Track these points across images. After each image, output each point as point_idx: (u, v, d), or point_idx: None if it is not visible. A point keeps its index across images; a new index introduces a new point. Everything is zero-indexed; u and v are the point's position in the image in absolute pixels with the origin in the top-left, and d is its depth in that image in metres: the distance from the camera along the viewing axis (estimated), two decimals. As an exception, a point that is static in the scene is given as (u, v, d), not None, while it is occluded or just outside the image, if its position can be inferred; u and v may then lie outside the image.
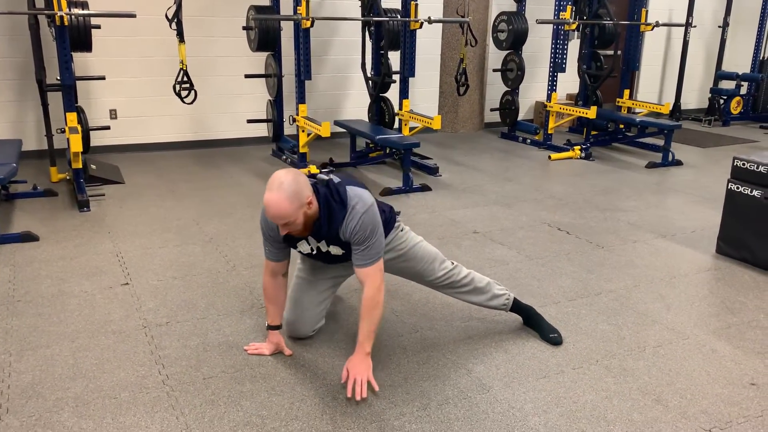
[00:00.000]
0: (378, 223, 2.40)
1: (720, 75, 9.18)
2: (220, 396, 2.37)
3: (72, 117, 4.77)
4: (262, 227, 2.51)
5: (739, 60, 9.55)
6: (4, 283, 3.31)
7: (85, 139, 4.97)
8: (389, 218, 2.59)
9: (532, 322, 2.90)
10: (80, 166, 4.86)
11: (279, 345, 2.66)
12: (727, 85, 9.16)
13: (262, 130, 6.73)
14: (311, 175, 2.45)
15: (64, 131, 4.85)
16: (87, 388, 2.40)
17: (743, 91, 9.04)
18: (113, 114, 6.34)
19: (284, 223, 2.26)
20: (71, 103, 4.81)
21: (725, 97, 8.92)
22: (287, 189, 2.20)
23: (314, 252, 2.55)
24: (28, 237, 3.93)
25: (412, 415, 2.28)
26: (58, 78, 4.73)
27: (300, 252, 2.61)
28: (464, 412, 2.29)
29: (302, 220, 2.28)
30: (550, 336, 2.81)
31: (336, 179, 2.42)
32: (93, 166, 5.38)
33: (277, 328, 2.66)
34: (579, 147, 6.67)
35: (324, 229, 2.39)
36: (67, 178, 5.28)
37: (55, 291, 3.24)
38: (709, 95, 9.14)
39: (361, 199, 2.37)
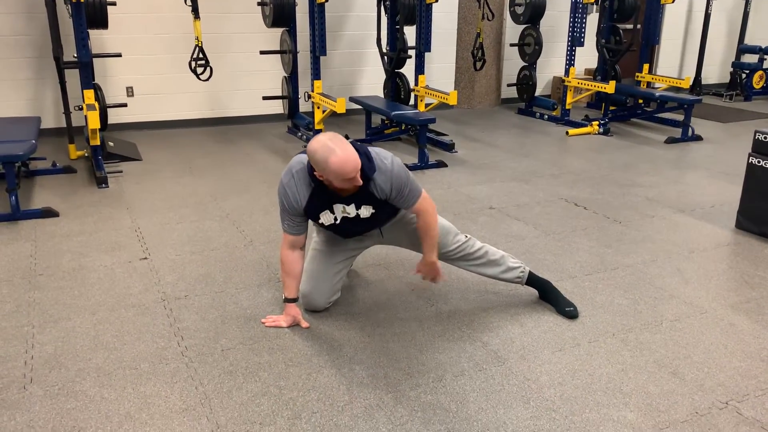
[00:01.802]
0: (406, 168, 2.53)
1: (742, 49, 8.99)
2: (238, 367, 2.40)
3: (89, 94, 4.80)
4: (283, 201, 2.50)
5: (763, 33, 9.33)
6: (26, 258, 3.37)
7: (103, 117, 5.01)
8: None
9: (548, 295, 2.90)
10: (98, 143, 4.91)
11: (296, 317, 2.69)
12: (750, 59, 8.97)
13: (278, 107, 6.73)
14: None
15: (81, 108, 4.89)
16: (108, 359, 2.45)
17: (766, 65, 8.85)
18: (130, 91, 6.37)
19: (355, 174, 2.31)
20: (88, 80, 4.84)
21: (747, 71, 8.73)
22: (344, 142, 2.30)
23: (338, 221, 2.56)
24: (48, 213, 3.98)
25: (427, 386, 2.29)
26: (75, 55, 4.76)
27: (321, 224, 2.61)
28: (480, 384, 2.31)
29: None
30: (566, 309, 2.80)
31: (357, 142, 2.49)
32: (111, 143, 5.43)
33: (294, 300, 2.68)
34: (597, 122, 6.59)
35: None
36: (86, 155, 5.33)
37: (76, 265, 3.29)
38: (731, 69, 8.97)
39: (382, 154, 2.48)
